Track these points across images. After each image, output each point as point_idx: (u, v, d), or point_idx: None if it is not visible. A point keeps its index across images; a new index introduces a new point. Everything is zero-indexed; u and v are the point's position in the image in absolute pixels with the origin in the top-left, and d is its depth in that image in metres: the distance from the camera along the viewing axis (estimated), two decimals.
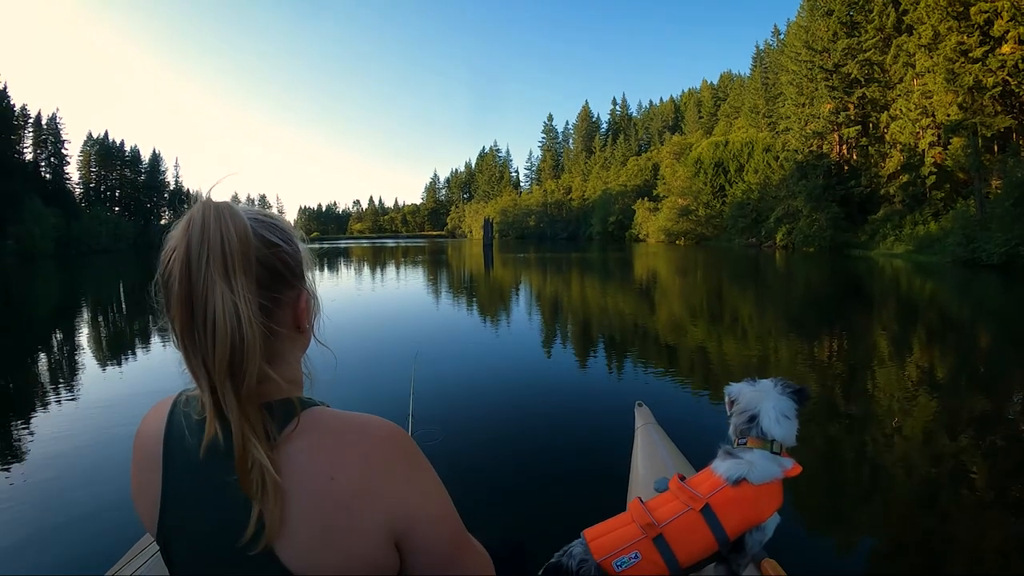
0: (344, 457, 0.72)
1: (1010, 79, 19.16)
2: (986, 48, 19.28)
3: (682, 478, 1.72)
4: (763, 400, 1.70)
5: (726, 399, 1.82)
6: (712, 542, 1.54)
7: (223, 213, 0.71)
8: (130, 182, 74.44)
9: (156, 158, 78.25)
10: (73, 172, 65.20)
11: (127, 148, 74.90)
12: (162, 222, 76.07)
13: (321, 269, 31.27)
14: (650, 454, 2.68)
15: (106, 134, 72.93)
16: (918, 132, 27.44)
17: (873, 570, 3.08)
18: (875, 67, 32.53)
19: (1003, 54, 18.77)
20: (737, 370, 7.11)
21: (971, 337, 9.33)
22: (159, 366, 7.22)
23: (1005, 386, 6.34)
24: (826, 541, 3.31)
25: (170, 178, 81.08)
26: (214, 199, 0.74)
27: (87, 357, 8.05)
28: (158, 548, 0.79)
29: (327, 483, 0.69)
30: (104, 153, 71.70)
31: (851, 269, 22.18)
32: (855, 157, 34.33)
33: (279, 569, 0.68)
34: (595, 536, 1.60)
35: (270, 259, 0.76)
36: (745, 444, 1.67)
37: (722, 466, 1.64)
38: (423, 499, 0.78)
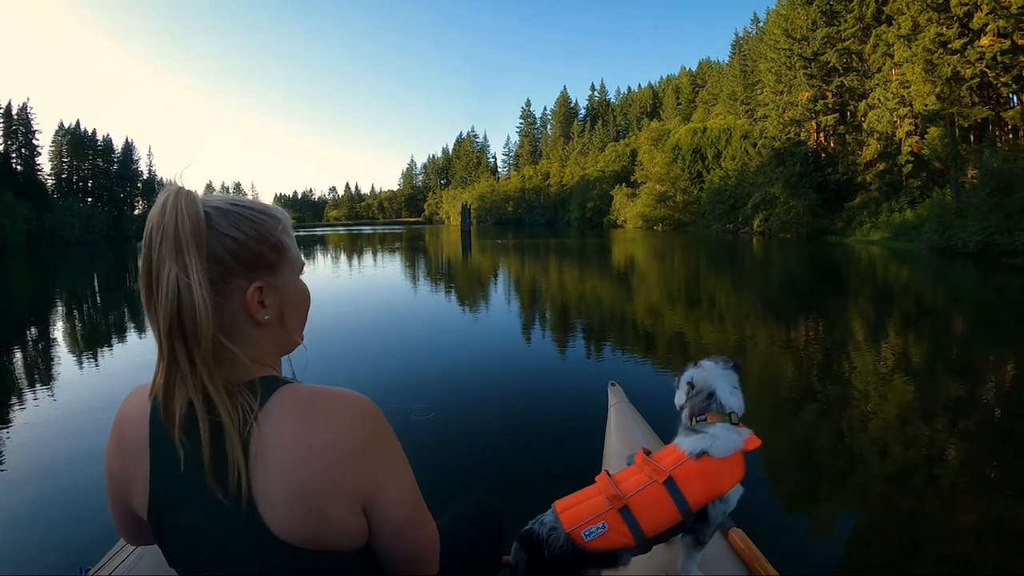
0: (321, 427, 0.76)
1: (988, 71, 19.52)
2: (965, 40, 19.59)
3: (647, 452, 1.78)
4: (714, 377, 1.79)
5: (682, 385, 1.87)
6: (676, 513, 1.60)
7: (181, 199, 0.77)
8: (103, 172, 72.51)
9: (129, 147, 76.22)
10: (45, 163, 63.56)
11: (99, 137, 72.89)
12: (135, 212, 74.46)
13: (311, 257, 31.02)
14: (622, 431, 2.75)
15: (77, 123, 70.98)
16: (895, 121, 27.93)
17: (846, 547, 3.16)
18: (854, 56, 32.95)
19: (982, 46, 19.10)
20: (711, 352, 7.24)
21: (946, 322, 9.55)
22: (136, 364, 6.97)
23: (978, 371, 6.49)
24: (799, 518, 3.43)
25: (143, 167, 79.12)
26: (184, 186, 0.80)
27: (61, 353, 7.87)
28: (132, 549, 0.85)
29: (306, 451, 0.75)
30: (76, 143, 69.83)
31: (828, 255, 22.53)
32: (832, 145, 34.81)
33: (263, 530, 0.74)
34: (565, 507, 1.66)
35: (219, 246, 0.79)
36: (704, 420, 1.72)
37: (685, 441, 1.70)
38: (392, 469, 0.84)
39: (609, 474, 1.74)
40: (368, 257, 27.67)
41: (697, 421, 1.73)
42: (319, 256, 29.61)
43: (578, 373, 6.36)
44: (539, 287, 14.77)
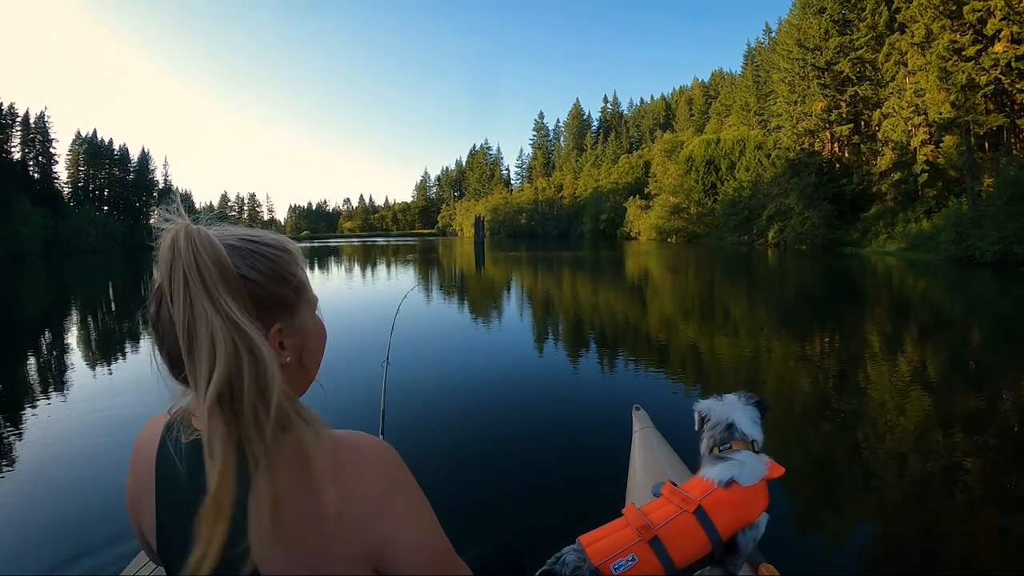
0: (325, 486, 0.72)
1: (1003, 77, 19.24)
2: (979, 47, 19.35)
3: (674, 484, 1.77)
4: (733, 411, 1.81)
5: (696, 417, 1.89)
6: (706, 542, 1.58)
7: (194, 238, 0.72)
8: (119, 181, 73.83)
9: (145, 157, 77.71)
10: (61, 171, 64.93)
11: (116, 147, 74.23)
12: (151, 221, 74.59)
13: (312, 268, 31.23)
14: (648, 460, 2.70)
15: (95, 133, 72.63)
16: (910, 130, 27.59)
17: (866, 567, 3.07)
18: (867, 65, 32.70)
19: (996, 53, 18.85)
20: (732, 371, 7.07)
21: (964, 334, 9.34)
22: (151, 370, 7.01)
23: (997, 383, 6.35)
24: (818, 539, 3.32)
25: (159, 177, 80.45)
26: (187, 222, 0.74)
27: (77, 360, 7.87)
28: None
29: (308, 514, 0.71)
30: (93, 152, 71.20)
31: (844, 267, 22.28)
32: (847, 155, 34.50)
33: None
34: (591, 541, 1.61)
35: (240, 286, 0.74)
36: (729, 448, 1.74)
37: (712, 470, 1.70)
38: (405, 524, 0.79)
39: (637, 506, 1.72)
40: (381, 269, 27.72)
41: (721, 451, 1.75)
42: (332, 266, 29.84)
43: (597, 393, 6.12)
44: (553, 301, 14.64)
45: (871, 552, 3.21)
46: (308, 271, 0.88)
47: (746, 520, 1.65)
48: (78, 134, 71.68)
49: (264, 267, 0.78)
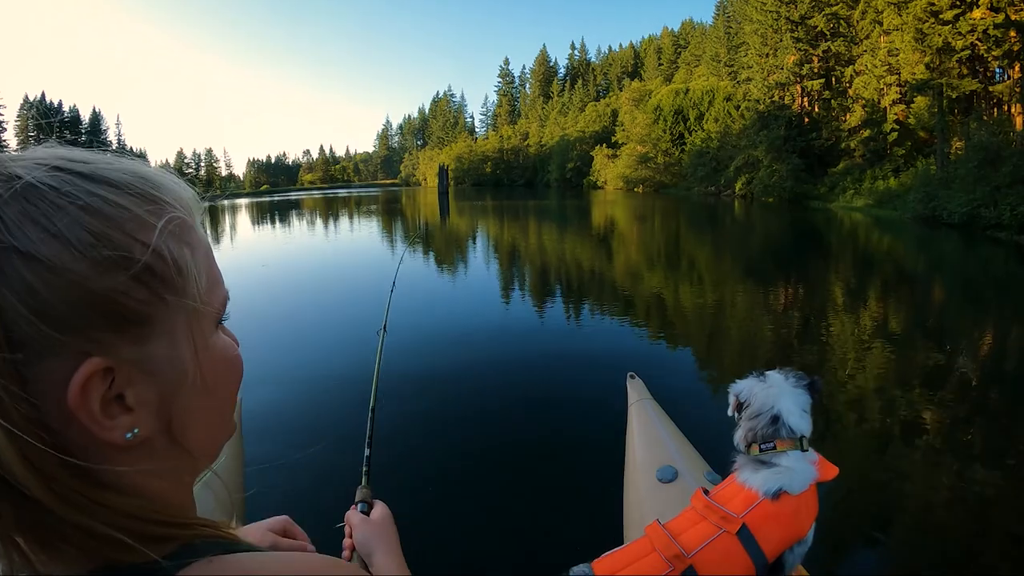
0: None
1: (979, 43, 19.67)
2: (957, 11, 19.66)
3: (706, 491, 1.53)
4: (780, 397, 1.54)
5: (731, 400, 1.64)
6: (750, 567, 1.35)
7: None
8: (70, 144, 70.12)
9: (96, 117, 73.68)
10: (11, 139, 60.79)
11: (66, 109, 70.17)
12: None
13: (272, 223, 30.74)
14: (647, 435, 2.44)
15: (43, 96, 68.09)
16: (882, 88, 28.16)
17: (825, 519, 3.21)
18: (842, 22, 32.80)
19: (974, 19, 19.21)
20: (714, 326, 7.37)
21: (929, 292, 9.87)
22: None
23: (958, 340, 6.70)
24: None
25: (112, 137, 76.44)
26: None
27: None
28: None
29: None
30: (42, 116, 67.06)
31: (811, 220, 22.99)
32: (817, 110, 34.90)
33: None
34: (609, 570, 1.38)
35: (7, 285, 0.37)
36: (772, 448, 1.49)
37: (755, 478, 1.45)
38: None
39: (662, 523, 1.46)
40: (344, 222, 27.35)
41: (762, 449, 1.50)
42: (294, 221, 29.15)
43: (584, 362, 5.88)
44: (525, 256, 14.62)
45: (830, 504, 3.25)
46: (209, 237, 0.51)
47: (797, 535, 1.42)
48: (26, 98, 67.04)
49: (74, 228, 0.39)
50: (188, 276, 0.44)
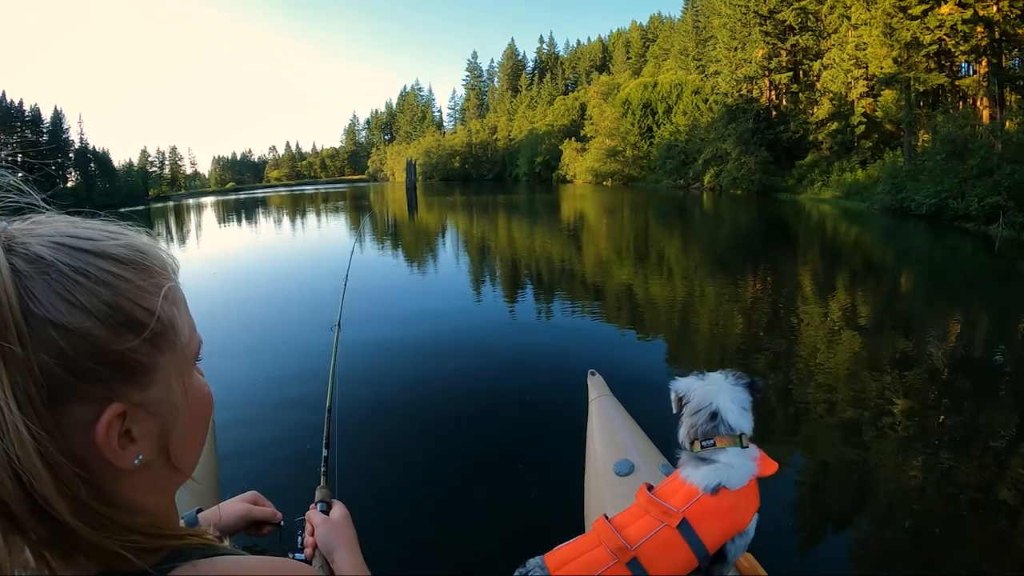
0: None
1: (947, 39, 20.06)
2: (926, 6, 20.03)
3: (650, 487, 1.59)
4: (718, 394, 1.60)
5: (673, 397, 1.70)
6: (691, 559, 1.42)
7: None
8: (32, 144, 67.10)
9: (58, 116, 70.26)
10: None
11: (27, 108, 67.07)
12: (68, 184, 69.00)
13: (239, 221, 30.45)
14: (607, 431, 2.53)
15: (3, 95, 65.04)
16: (849, 82, 28.66)
17: (796, 505, 3.24)
18: (810, 16, 33.28)
19: (942, 14, 19.58)
20: (681, 320, 7.39)
21: (896, 282, 10.07)
22: None
23: (925, 329, 6.84)
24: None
25: (75, 136, 73.25)
26: None
27: None
28: None
29: None
30: (3, 116, 64.06)
31: (780, 212, 23.37)
32: (785, 103, 35.36)
33: None
34: (559, 563, 1.45)
35: (39, 344, 0.44)
36: (713, 445, 1.54)
37: (695, 474, 1.52)
38: None
39: (608, 518, 1.53)
40: (311, 219, 27.05)
41: (703, 446, 1.56)
42: (260, 219, 28.70)
43: (547, 358, 5.85)
44: (493, 251, 14.61)
45: (801, 489, 3.39)
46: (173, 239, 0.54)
47: (736, 528, 1.48)
48: None
49: (92, 300, 0.47)
50: (179, 332, 0.54)
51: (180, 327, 0.54)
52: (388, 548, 2.85)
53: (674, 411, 1.69)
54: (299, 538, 1.05)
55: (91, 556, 0.47)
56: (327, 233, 20.73)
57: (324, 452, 1.33)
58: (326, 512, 1.05)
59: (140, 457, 0.51)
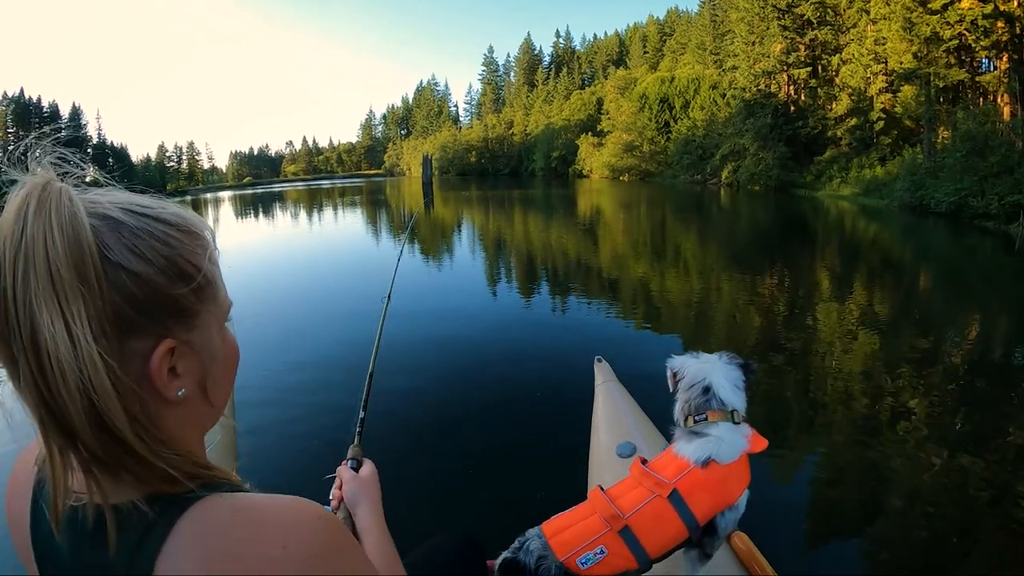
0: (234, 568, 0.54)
1: (967, 33, 19.77)
2: (946, 1, 19.76)
3: (644, 461, 1.63)
4: (711, 371, 1.65)
5: (668, 373, 1.74)
6: (682, 529, 1.48)
7: (50, 203, 0.53)
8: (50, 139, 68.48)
9: (76, 112, 71.40)
10: None
11: (45, 104, 68.37)
12: (87, 180, 69.63)
13: (256, 215, 30.78)
14: (611, 416, 2.62)
15: (21, 92, 66.42)
16: (868, 77, 28.28)
17: (811, 505, 3.27)
18: (828, 10, 32.86)
19: (962, 8, 19.30)
20: (683, 308, 7.51)
21: (915, 280, 9.95)
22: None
23: (945, 328, 6.79)
24: (763, 476, 3.36)
25: (92, 131, 74.51)
26: (52, 178, 0.55)
27: None
28: None
29: None
30: (21, 112, 65.49)
31: (799, 209, 23.10)
32: (803, 98, 34.97)
33: None
34: (555, 531, 1.50)
35: (110, 285, 0.53)
36: (705, 419, 1.58)
37: (687, 448, 1.55)
38: None
39: (603, 489, 1.59)
40: (326, 215, 27.27)
41: (696, 421, 1.60)
42: (277, 213, 29.00)
43: (557, 346, 6.15)
44: (506, 244, 14.75)
45: (816, 490, 3.41)
46: (220, 261, 0.67)
47: (726, 502, 1.52)
48: (4, 95, 65.66)
49: (153, 253, 0.56)
50: (217, 288, 0.64)
51: (218, 285, 0.65)
52: (408, 508, 2.94)
53: (670, 388, 1.73)
54: (329, 495, 1.11)
55: (139, 476, 0.55)
56: (362, 225, 20.93)
57: (361, 414, 1.40)
58: (356, 469, 1.13)
59: (183, 391, 0.60)
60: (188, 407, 0.62)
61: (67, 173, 0.59)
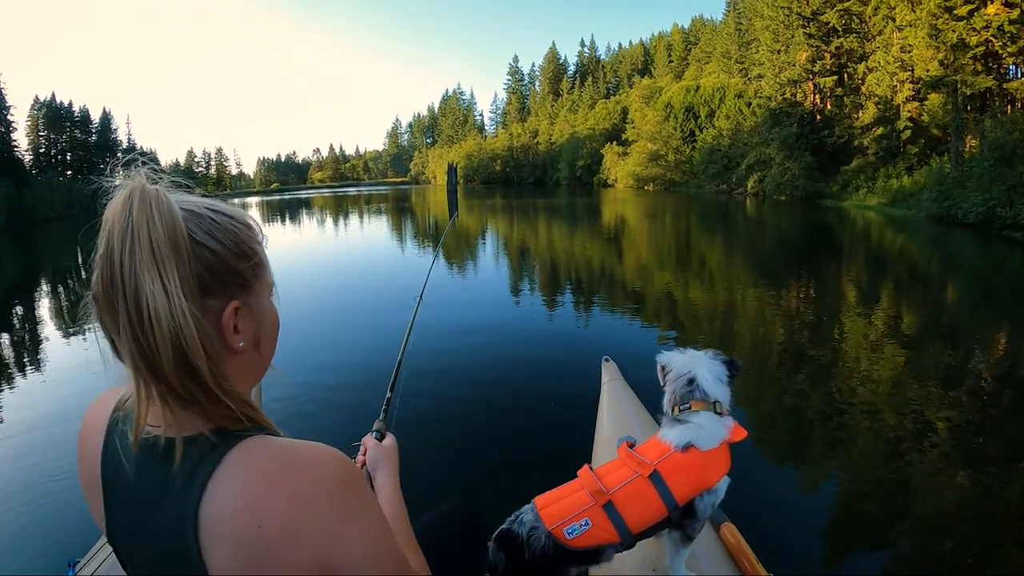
0: (270, 500, 0.68)
1: (994, 40, 19.37)
2: (972, 6, 19.35)
3: (631, 445, 1.75)
4: (696, 364, 1.75)
5: (658, 368, 1.84)
6: (662, 508, 1.57)
7: (150, 199, 0.69)
8: (81, 143, 69.72)
9: (107, 117, 73.26)
10: (21, 139, 60.41)
11: (76, 109, 69.81)
12: (117, 183, 71.43)
13: (283, 221, 31.40)
14: (616, 412, 2.77)
15: (53, 96, 67.91)
16: (895, 85, 27.75)
17: (831, 523, 3.22)
18: (854, 17, 32.38)
19: (988, 14, 18.91)
20: (707, 320, 7.53)
21: (942, 293, 9.75)
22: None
23: (971, 342, 6.64)
24: (784, 494, 3.48)
25: (122, 136, 76.33)
26: (145, 182, 0.72)
27: (45, 338, 7.93)
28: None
29: (254, 531, 0.66)
30: (52, 116, 66.82)
31: (825, 219, 22.76)
32: (829, 107, 34.53)
33: None
34: (545, 504, 1.63)
35: (195, 258, 0.71)
36: (689, 408, 1.68)
37: (670, 433, 1.66)
38: (354, 540, 0.73)
39: (591, 468, 1.71)
40: (354, 220, 27.78)
41: (681, 410, 1.70)
42: (304, 219, 29.56)
43: (571, 345, 6.56)
44: (528, 251, 15.06)
45: (838, 508, 3.36)
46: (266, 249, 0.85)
47: (704, 486, 1.60)
48: (36, 99, 67.01)
49: (224, 237, 0.75)
50: (266, 267, 0.83)
51: (267, 265, 0.83)
52: (423, 480, 3.35)
53: (660, 382, 1.84)
54: (354, 457, 1.27)
55: (206, 411, 0.71)
56: (393, 231, 21.28)
57: (388, 394, 1.61)
58: (379, 440, 1.31)
59: (242, 343, 0.77)
60: (245, 358, 0.80)
61: (156, 180, 0.75)
